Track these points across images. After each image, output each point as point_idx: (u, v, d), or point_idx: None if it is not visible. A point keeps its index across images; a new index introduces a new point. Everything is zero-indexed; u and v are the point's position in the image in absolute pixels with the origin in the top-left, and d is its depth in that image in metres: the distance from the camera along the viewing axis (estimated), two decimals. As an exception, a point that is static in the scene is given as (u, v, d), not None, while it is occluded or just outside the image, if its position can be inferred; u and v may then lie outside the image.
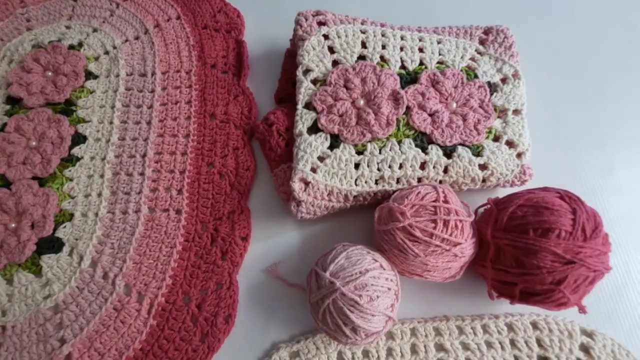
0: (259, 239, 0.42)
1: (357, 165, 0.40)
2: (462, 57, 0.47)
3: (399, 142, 0.41)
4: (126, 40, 0.53)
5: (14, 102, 0.49)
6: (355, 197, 0.40)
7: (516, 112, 0.45)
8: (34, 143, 0.46)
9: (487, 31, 0.49)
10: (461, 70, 0.45)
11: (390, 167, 0.40)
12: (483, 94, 0.44)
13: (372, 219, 0.42)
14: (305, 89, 0.43)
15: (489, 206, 0.38)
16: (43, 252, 0.41)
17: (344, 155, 0.40)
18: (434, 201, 0.34)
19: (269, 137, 0.43)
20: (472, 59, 0.47)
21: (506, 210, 0.34)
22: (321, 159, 0.40)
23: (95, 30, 0.54)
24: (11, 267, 0.41)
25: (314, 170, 0.39)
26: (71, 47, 0.53)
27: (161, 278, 0.40)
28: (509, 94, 0.45)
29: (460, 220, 0.33)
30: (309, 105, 0.43)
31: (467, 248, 0.34)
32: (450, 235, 0.33)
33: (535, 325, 0.38)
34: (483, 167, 0.41)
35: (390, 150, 0.40)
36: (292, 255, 0.42)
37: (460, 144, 0.41)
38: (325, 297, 0.32)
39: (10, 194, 0.43)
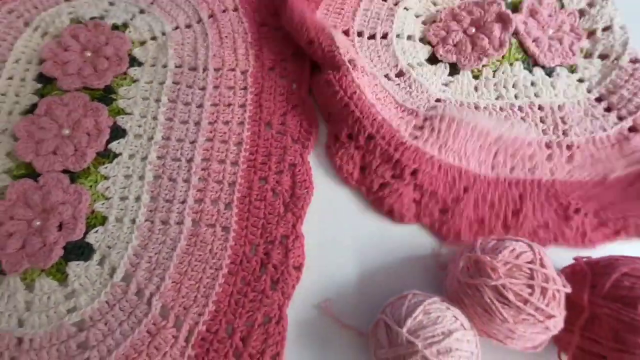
0: (310, 270, 0.38)
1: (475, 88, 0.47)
2: None
3: (511, 64, 0.48)
4: (177, 27, 0.48)
5: (46, 81, 0.44)
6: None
7: (605, 29, 0.51)
8: (67, 131, 0.41)
9: None
10: None
11: (504, 87, 0.46)
12: (573, 19, 0.51)
13: (435, 259, 0.39)
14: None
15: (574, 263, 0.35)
16: (71, 258, 0.37)
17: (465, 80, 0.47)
18: (529, 262, 0.31)
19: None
20: None
21: (608, 276, 0.31)
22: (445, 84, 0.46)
23: (142, 11, 0.49)
24: (33, 271, 0.36)
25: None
26: (115, 27, 0.48)
27: (203, 303, 0.36)
28: (597, 15, 0.51)
29: (558, 291, 0.30)
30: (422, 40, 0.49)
31: (559, 322, 0.30)
32: (547, 305, 0.29)
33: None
34: (580, 80, 0.48)
35: (503, 73, 0.47)
36: (347, 291, 0.38)
37: (558, 65, 0.48)
38: (400, 358, 0.29)
39: (37, 187, 0.39)
